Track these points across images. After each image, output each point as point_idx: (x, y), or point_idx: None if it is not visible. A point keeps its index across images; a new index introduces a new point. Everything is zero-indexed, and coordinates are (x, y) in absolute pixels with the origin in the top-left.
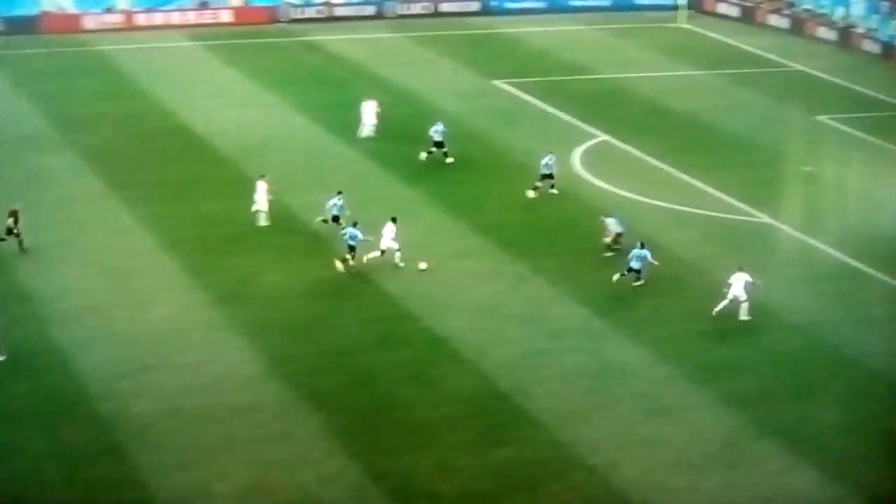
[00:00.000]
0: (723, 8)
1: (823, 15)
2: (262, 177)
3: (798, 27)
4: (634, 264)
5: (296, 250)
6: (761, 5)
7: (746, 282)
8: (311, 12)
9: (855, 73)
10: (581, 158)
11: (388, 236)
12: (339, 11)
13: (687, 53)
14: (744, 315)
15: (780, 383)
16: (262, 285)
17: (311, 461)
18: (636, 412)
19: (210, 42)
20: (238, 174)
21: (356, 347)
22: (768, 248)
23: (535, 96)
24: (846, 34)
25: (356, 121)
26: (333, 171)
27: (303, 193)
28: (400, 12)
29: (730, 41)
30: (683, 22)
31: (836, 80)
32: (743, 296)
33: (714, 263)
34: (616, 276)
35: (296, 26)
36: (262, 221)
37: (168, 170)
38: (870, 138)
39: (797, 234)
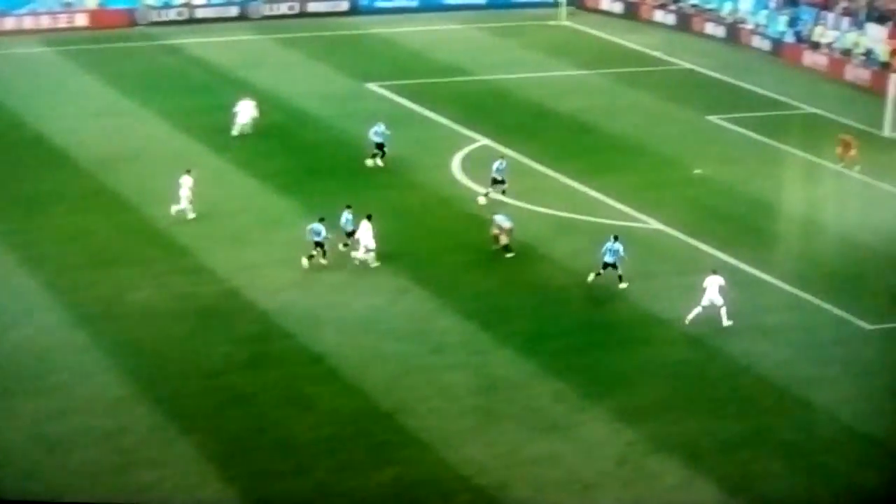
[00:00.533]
0: (605, 4)
1: (711, 11)
2: (187, 171)
3: (685, 23)
4: (608, 258)
5: (163, 266)
6: (646, 1)
7: (721, 286)
8: (171, 14)
9: (744, 70)
10: (461, 164)
11: (366, 235)
12: (200, 13)
13: (569, 52)
14: (725, 321)
15: (676, 395)
16: (128, 303)
17: (184, 486)
18: (525, 429)
19: (65, 47)
20: (98, 186)
21: (228, 367)
22: (660, 255)
23: (410, 99)
24: (734, 31)
25: (223, 128)
26: (200, 181)
27: (168, 206)
28: (265, 13)
29: (614, 39)
30: (564, 19)
31: (726, 79)
32: (719, 300)
33: (604, 273)
34: (591, 277)
35: (156, 29)
36: (190, 214)
37: (24, 184)
38: (761, 138)
39: (689, 239)
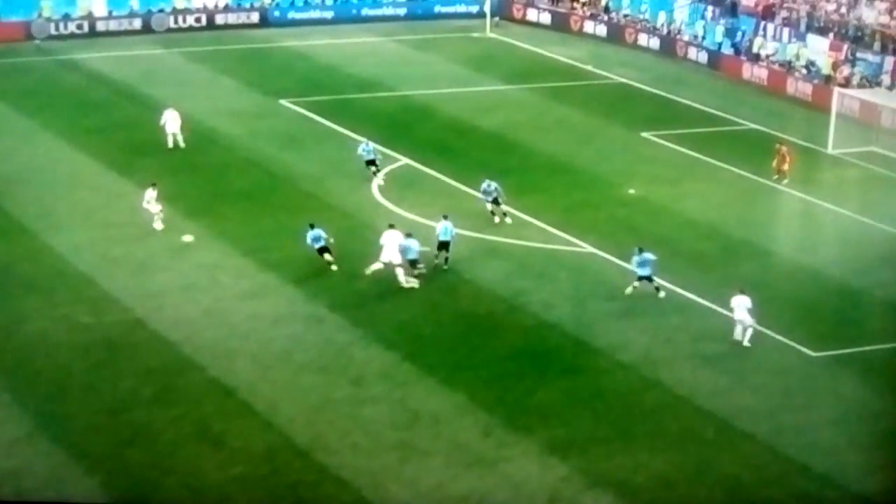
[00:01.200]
0: (533, 15)
1: (644, 21)
2: (153, 185)
3: (617, 35)
4: (642, 272)
5: (63, 295)
6: (575, 12)
7: (749, 308)
8: (70, 27)
9: (680, 84)
10: (380, 185)
11: (392, 246)
12: (101, 26)
13: (495, 66)
14: (747, 342)
15: (610, 427)
16: (26, 334)
17: None
18: (451, 465)
19: None
20: None
21: (133, 402)
22: (592, 279)
23: (326, 117)
24: (670, 42)
25: (124, 147)
26: (103, 207)
27: (67, 233)
28: (170, 25)
29: (542, 51)
30: (490, 31)
31: (661, 93)
32: (749, 320)
33: (532, 298)
34: (629, 290)
35: (54, 43)
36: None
37: None
38: (698, 156)
39: (623, 263)
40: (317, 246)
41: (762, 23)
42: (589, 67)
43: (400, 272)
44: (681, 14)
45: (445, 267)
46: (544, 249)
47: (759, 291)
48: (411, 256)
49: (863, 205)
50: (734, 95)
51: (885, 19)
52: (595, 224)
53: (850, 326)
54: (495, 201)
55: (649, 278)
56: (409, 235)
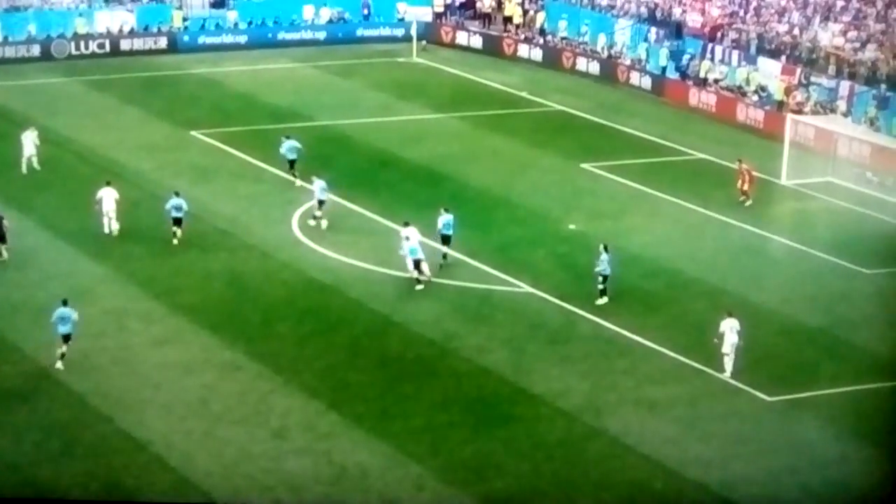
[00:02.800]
0: (463, 39)
1: (583, 45)
2: (108, 183)
3: (553, 59)
4: (607, 270)
5: None
6: (509, 35)
7: (738, 330)
8: None
9: (622, 111)
10: (300, 221)
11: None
12: None
13: (422, 93)
14: (730, 369)
15: (552, 480)
16: None
17: None
18: None
19: None
20: None
21: (37, 457)
22: (530, 321)
23: (240, 149)
24: (610, 67)
25: (20, 183)
26: None
27: None
28: (71, 52)
29: (473, 77)
30: (416, 56)
31: (601, 121)
32: (739, 342)
33: (466, 342)
34: (600, 301)
35: None
36: (114, 228)
37: None
38: (642, 188)
39: (563, 304)
40: (175, 216)
41: (709, 45)
42: (524, 94)
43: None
44: (622, 37)
45: (446, 262)
46: (478, 290)
47: (710, 332)
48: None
49: (819, 239)
50: (680, 123)
51: (839, 41)
52: (533, 262)
53: (806, 369)
54: (445, 239)
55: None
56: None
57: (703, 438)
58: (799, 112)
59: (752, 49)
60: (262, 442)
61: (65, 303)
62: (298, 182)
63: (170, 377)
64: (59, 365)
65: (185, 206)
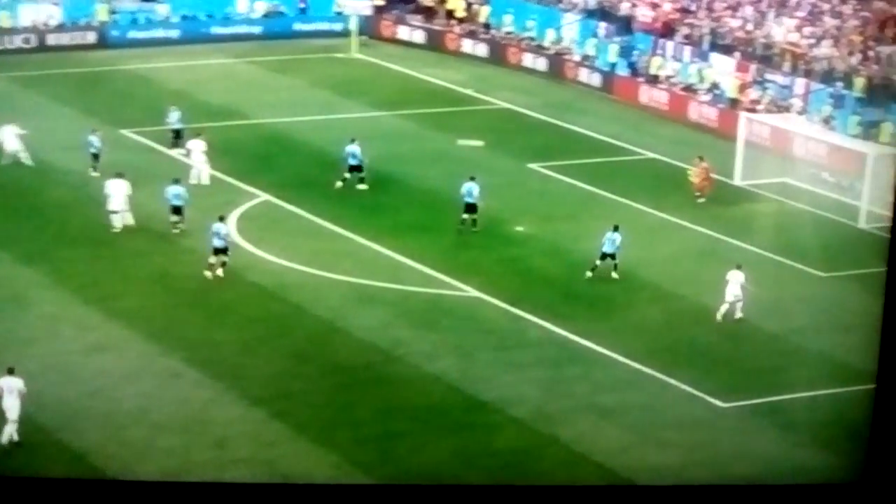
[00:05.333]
0: (404, 33)
1: (529, 40)
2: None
3: (499, 55)
4: (608, 248)
5: None
6: (452, 30)
7: (742, 284)
8: None
9: (571, 109)
10: (238, 224)
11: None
12: None
13: (363, 90)
14: (739, 313)
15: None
16: None
17: None
18: None
19: None
20: None
21: None
22: (478, 327)
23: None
24: (558, 63)
25: None
26: None
27: None
28: None
29: (416, 74)
30: (356, 52)
31: (549, 119)
32: (741, 294)
33: (413, 348)
34: (589, 274)
35: None
36: (127, 221)
37: None
38: (592, 188)
39: (512, 309)
40: (175, 203)
41: (660, 41)
42: (469, 91)
43: None
44: (570, 32)
45: (475, 229)
46: (425, 294)
47: (664, 337)
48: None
49: (775, 242)
50: (631, 121)
51: (794, 37)
52: (481, 266)
53: (762, 375)
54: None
55: (612, 255)
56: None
57: (657, 446)
58: (753, 110)
59: (705, 45)
60: (203, 452)
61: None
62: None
63: (106, 385)
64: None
65: (184, 195)
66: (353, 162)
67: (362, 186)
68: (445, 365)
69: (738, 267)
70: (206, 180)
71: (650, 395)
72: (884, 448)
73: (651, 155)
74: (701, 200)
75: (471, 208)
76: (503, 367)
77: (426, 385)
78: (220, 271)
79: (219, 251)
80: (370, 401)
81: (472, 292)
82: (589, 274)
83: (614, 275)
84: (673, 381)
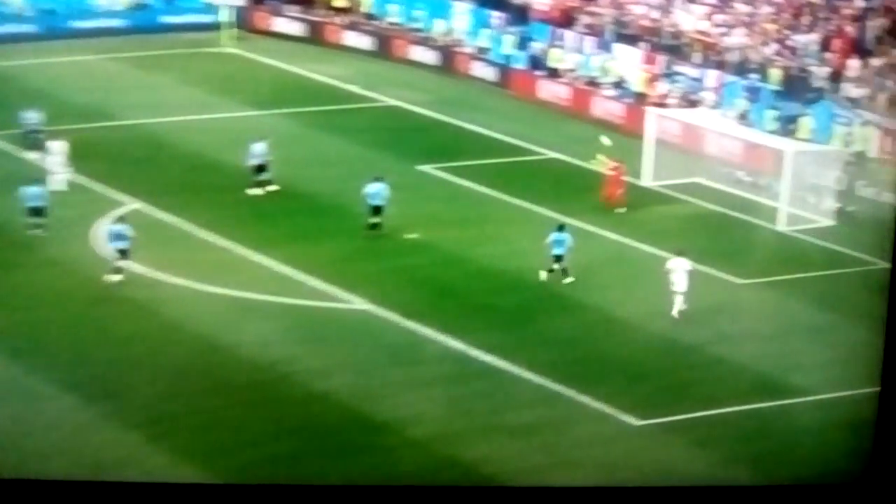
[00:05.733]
0: (281, 25)
1: (417, 31)
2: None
3: (385, 48)
4: (558, 250)
5: None
6: (334, 20)
7: (687, 270)
8: None
9: (464, 106)
10: (106, 235)
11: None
12: None
13: (239, 88)
14: (678, 308)
15: None
16: None
17: None
18: None
19: None
20: None
21: None
22: (371, 343)
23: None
24: (449, 56)
25: None
26: None
27: None
28: None
29: (295, 70)
30: (229, 45)
31: (442, 117)
32: (683, 285)
33: (301, 366)
34: (544, 275)
35: None
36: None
37: None
38: (489, 191)
39: (407, 322)
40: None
41: (559, 31)
42: (353, 88)
43: None
44: (461, 22)
45: (376, 232)
46: (313, 308)
47: (573, 351)
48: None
49: (688, 247)
50: (530, 119)
51: (704, 25)
52: (371, 276)
53: (678, 389)
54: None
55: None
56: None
57: (568, 467)
58: (662, 105)
59: (608, 35)
60: (79, 478)
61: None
62: None
63: None
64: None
65: (45, 195)
66: (255, 162)
67: (272, 188)
68: (338, 383)
69: (680, 253)
70: (63, 186)
71: (560, 413)
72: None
73: (553, 154)
74: (620, 211)
75: (378, 211)
76: (400, 384)
77: (317, 405)
78: (116, 278)
79: (122, 253)
80: (257, 423)
81: (364, 305)
82: (544, 275)
83: (567, 280)
84: (584, 398)
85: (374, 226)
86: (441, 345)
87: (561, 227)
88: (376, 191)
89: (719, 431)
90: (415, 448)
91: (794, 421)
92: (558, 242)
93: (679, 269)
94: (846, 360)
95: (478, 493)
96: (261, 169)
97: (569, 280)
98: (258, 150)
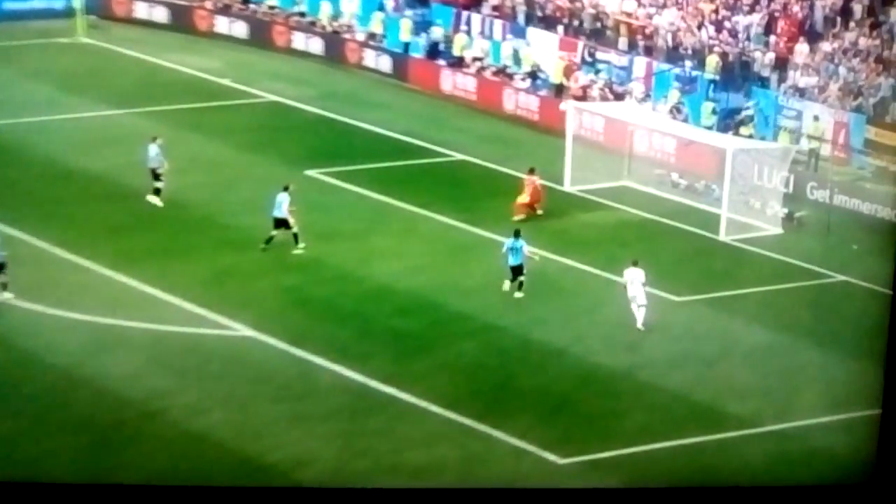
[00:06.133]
0: (143, 11)
1: (300, 16)
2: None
3: (263, 36)
4: (514, 261)
5: None
6: (204, 4)
7: (643, 282)
8: None
9: (356, 101)
10: None
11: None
12: None
13: (96, 83)
14: (640, 323)
15: None
16: None
17: None
18: None
19: None
20: None
21: None
22: (254, 374)
23: None
24: (338, 44)
25: None
26: None
27: None
28: None
29: (160, 62)
30: (84, 35)
31: (330, 115)
32: (643, 297)
33: (174, 400)
34: (506, 285)
35: None
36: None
37: None
38: (388, 199)
39: (294, 350)
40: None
41: (464, 14)
42: (227, 82)
43: None
44: (350, 5)
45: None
46: (185, 335)
47: (485, 379)
48: None
49: (616, 260)
50: (432, 115)
51: (630, 5)
52: (252, 297)
53: (607, 422)
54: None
55: (520, 268)
56: None
57: None
58: (583, 98)
59: (521, 19)
60: None
61: None
62: None
63: None
64: None
65: None
66: (152, 166)
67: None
68: (215, 420)
69: (635, 263)
70: None
71: (469, 450)
72: None
73: (458, 156)
74: (518, 218)
75: (281, 223)
76: (288, 420)
77: (192, 445)
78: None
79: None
80: (125, 466)
81: (244, 330)
82: (507, 286)
83: (518, 294)
84: (497, 433)
85: (270, 240)
86: (334, 375)
87: (517, 234)
88: (279, 201)
89: (651, 468)
90: (305, 493)
91: (736, 456)
92: (514, 251)
93: (635, 281)
94: (797, 386)
95: None
96: (155, 175)
97: (519, 296)
98: (152, 153)
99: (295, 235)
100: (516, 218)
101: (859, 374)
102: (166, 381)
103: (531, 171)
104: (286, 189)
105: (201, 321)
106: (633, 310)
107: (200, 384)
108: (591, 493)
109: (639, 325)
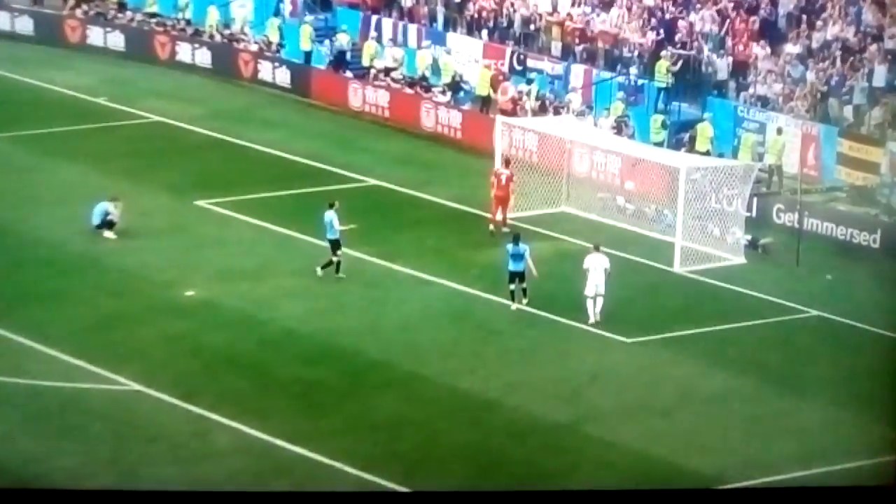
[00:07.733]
0: (4, 22)
1: (185, 24)
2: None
3: (143, 48)
4: (514, 266)
5: None
6: (74, 13)
7: (606, 269)
8: None
9: (251, 121)
10: None
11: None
12: None
13: None
14: (596, 317)
15: None
16: None
17: None
18: None
19: None
20: None
21: None
22: (143, 433)
23: None
24: (228, 55)
25: None
26: None
27: None
28: None
29: (24, 79)
30: None
31: (221, 136)
32: (602, 288)
33: (55, 463)
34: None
35: None
36: None
37: None
38: (291, 233)
39: (185, 405)
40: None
41: (374, 19)
42: (102, 101)
43: None
44: (242, 10)
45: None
46: (62, 390)
47: (405, 437)
48: None
49: (552, 298)
50: (338, 135)
51: (565, 5)
52: (138, 347)
53: (546, 482)
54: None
55: (521, 276)
56: None
57: None
58: (513, 112)
59: (439, 23)
60: None
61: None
62: None
63: None
64: None
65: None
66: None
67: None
68: (101, 486)
69: (597, 248)
70: None
71: None
72: None
73: (370, 181)
74: (490, 230)
75: (336, 245)
76: (184, 486)
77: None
78: None
79: None
80: None
81: (130, 384)
82: (515, 306)
83: (514, 306)
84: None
85: (338, 266)
86: (233, 433)
87: (517, 239)
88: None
89: None
90: None
91: None
92: (516, 257)
93: (598, 268)
94: (765, 437)
95: None
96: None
97: (525, 301)
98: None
99: (338, 263)
100: (505, 229)
101: (836, 422)
102: (42, 444)
103: (506, 163)
104: (332, 206)
105: (82, 374)
106: (588, 306)
107: (83, 446)
108: (591, 493)
109: (595, 318)
